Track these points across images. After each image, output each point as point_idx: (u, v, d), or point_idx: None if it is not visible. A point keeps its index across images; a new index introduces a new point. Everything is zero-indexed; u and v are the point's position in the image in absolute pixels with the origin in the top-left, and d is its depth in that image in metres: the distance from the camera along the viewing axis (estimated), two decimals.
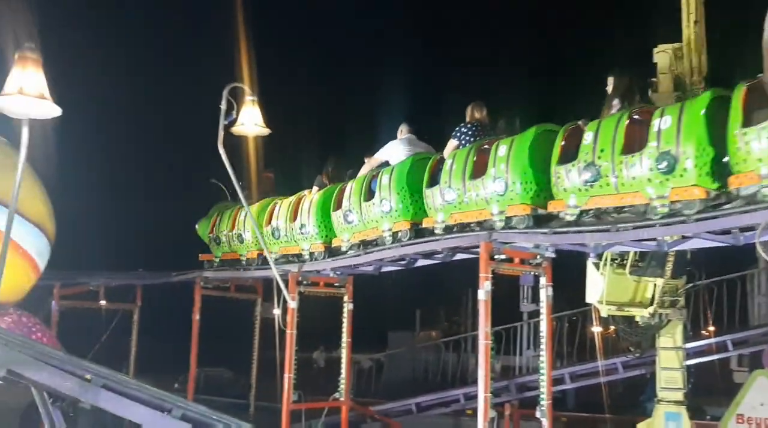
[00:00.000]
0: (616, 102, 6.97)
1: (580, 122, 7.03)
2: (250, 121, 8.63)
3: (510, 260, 7.96)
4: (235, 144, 10.11)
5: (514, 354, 16.76)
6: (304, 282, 10.33)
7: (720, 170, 5.97)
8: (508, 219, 7.42)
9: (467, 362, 17.44)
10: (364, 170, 9.49)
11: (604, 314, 8.70)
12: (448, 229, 8.13)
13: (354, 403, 11.23)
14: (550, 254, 7.84)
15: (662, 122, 6.03)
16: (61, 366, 4.63)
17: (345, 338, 10.64)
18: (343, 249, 9.64)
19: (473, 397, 11.70)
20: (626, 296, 8.70)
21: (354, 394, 11.21)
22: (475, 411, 9.22)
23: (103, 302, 13.86)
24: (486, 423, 7.36)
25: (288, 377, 9.95)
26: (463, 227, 8.03)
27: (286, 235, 10.41)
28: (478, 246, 7.71)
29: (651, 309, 8.56)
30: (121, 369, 13.68)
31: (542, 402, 7.86)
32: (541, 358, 8.06)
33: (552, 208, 7.10)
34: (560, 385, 12.41)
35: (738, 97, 5.75)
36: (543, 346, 8.02)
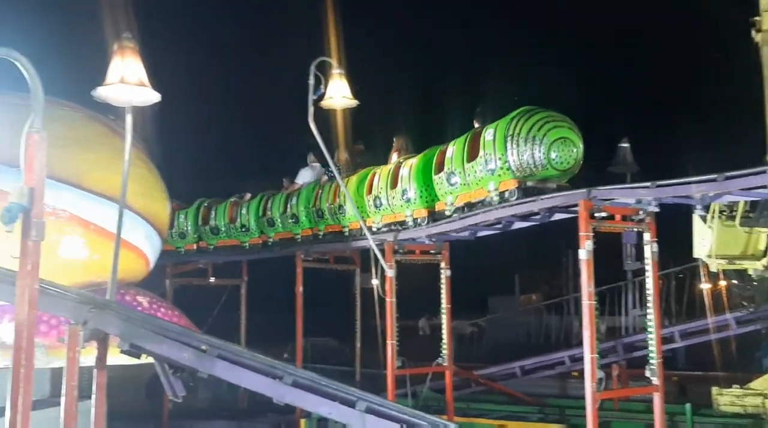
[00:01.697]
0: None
1: None
2: (337, 93, 8.73)
3: (611, 217, 7.74)
4: (324, 117, 10.23)
5: (619, 314, 16.38)
6: (401, 250, 10.38)
7: None
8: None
9: (570, 324, 17.20)
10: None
11: (713, 269, 8.36)
12: None
13: (457, 368, 11.29)
14: (654, 208, 7.55)
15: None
16: (179, 339, 4.89)
17: (444, 304, 10.66)
18: (447, 213, 9.48)
19: (579, 359, 11.60)
20: (737, 249, 8.32)
21: (457, 359, 11.28)
22: (581, 372, 9.12)
23: (212, 279, 14.52)
24: (594, 384, 7.25)
25: (390, 344, 10.09)
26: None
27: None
28: (576, 205, 7.53)
29: (765, 261, 8.14)
30: (233, 341, 14.39)
31: (652, 362, 7.65)
32: (648, 317, 7.83)
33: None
34: (669, 344, 12.04)
35: None
36: (650, 305, 7.78)
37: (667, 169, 7.85)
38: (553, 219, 8.69)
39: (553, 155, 7.99)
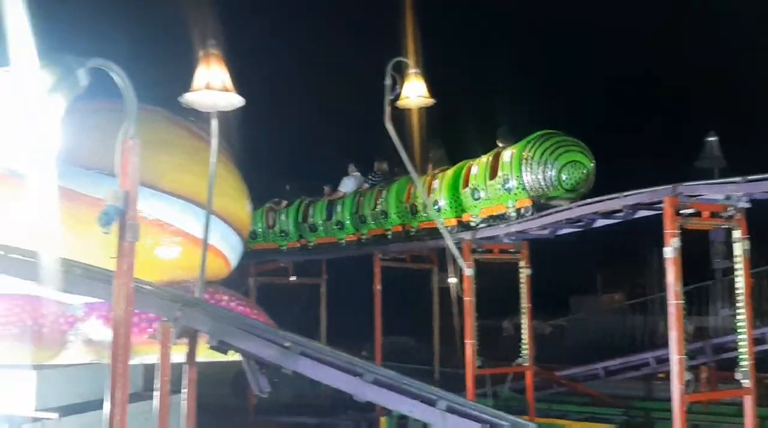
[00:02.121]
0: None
1: None
2: (413, 93, 8.78)
3: (698, 214, 7.49)
4: (400, 117, 10.27)
5: (707, 314, 15.79)
6: (479, 249, 10.33)
7: None
8: None
9: (656, 324, 16.69)
10: None
11: None
12: None
13: (538, 368, 11.15)
14: (744, 204, 7.26)
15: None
16: (264, 336, 5.04)
17: (524, 303, 10.56)
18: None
19: (665, 360, 11.22)
20: None
21: (538, 360, 11.14)
22: (667, 374, 8.85)
23: (293, 277, 14.87)
24: (681, 385, 7.03)
25: (470, 344, 10.05)
26: None
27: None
28: (661, 202, 7.32)
29: None
30: (313, 339, 14.70)
31: (742, 364, 7.36)
32: (738, 317, 7.53)
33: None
34: (762, 345, 11.52)
35: None
36: (741, 304, 7.48)
37: (758, 163, 7.50)
38: (636, 216, 8.49)
39: (563, 177, 8.95)
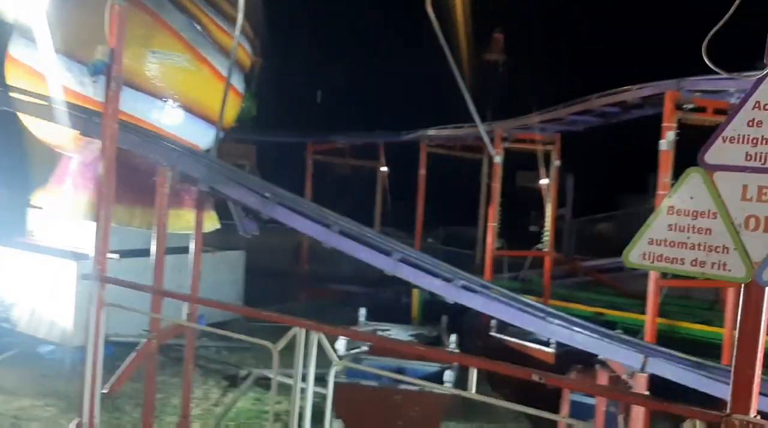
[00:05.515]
0: None
1: None
2: None
3: (702, 110, 7.59)
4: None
5: None
6: (510, 138, 10.70)
7: None
8: None
9: None
10: None
11: None
12: None
13: (559, 255, 11.61)
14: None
15: None
16: (247, 185, 5.82)
17: (550, 193, 10.94)
18: None
19: None
20: None
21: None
22: None
23: (349, 160, 15.57)
24: None
25: (491, 226, 10.62)
26: None
27: None
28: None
29: None
30: (369, 223, 15.61)
31: None
32: None
33: None
34: None
35: None
36: None
37: None
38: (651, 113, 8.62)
39: None
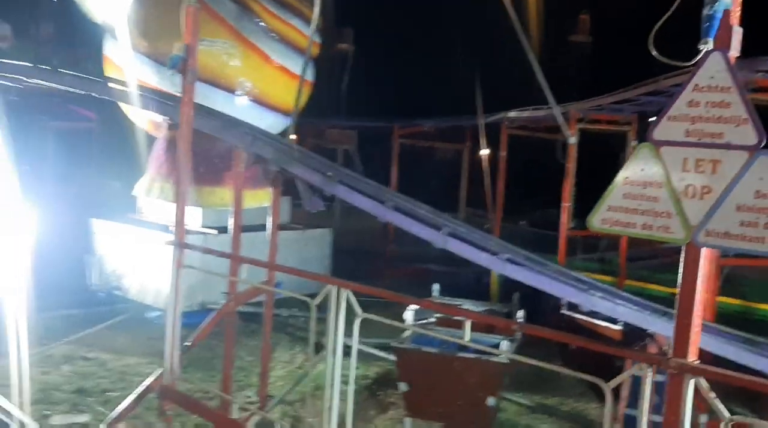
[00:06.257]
0: None
1: None
2: None
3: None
4: None
5: None
6: (585, 119, 10.81)
7: None
8: None
9: None
10: None
11: None
12: None
13: None
14: None
15: None
16: (312, 166, 6.44)
17: None
18: None
19: None
20: None
21: None
22: None
23: (436, 142, 16.00)
24: None
25: (566, 206, 10.81)
26: None
27: None
28: None
29: None
30: (454, 205, 15.98)
31: None
32: None
33: None
34: None
35: None
36: None
37: None
38: None
39: None
